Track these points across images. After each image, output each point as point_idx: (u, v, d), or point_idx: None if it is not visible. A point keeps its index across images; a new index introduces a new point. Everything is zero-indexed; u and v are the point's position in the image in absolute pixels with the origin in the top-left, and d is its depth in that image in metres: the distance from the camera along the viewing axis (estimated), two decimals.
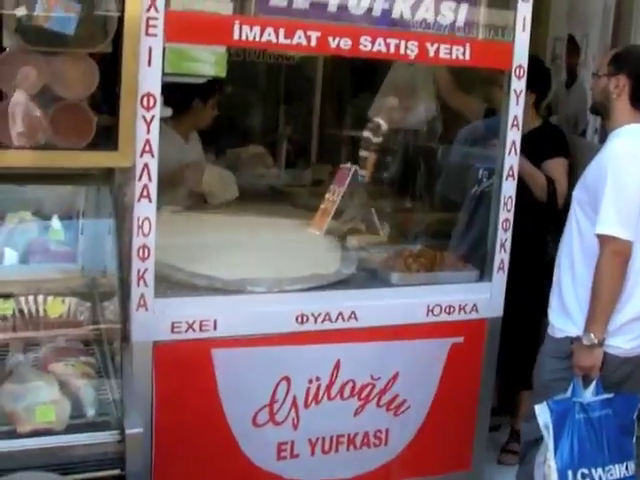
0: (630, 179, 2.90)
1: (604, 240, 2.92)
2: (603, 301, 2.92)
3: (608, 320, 2.94)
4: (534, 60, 3.74)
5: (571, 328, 3.04)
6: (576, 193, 3.12)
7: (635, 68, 3.03)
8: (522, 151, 3.55)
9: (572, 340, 3.01)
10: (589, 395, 2.98)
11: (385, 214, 3.94)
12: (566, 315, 3.07)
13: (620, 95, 3.03)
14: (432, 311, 3.31)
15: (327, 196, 3.78)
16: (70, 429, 2.38)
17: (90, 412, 2.44)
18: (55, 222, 2.82)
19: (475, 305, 3.39)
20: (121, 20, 2.60)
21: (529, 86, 3.71)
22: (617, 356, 3.00)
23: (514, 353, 3.71)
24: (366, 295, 3.26)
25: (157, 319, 2.86)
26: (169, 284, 3.00)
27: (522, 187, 3.63)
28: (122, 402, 2.44)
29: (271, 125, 5.67)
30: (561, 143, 3.96)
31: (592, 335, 2.93)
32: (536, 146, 3.79)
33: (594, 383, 2.98)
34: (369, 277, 3.40)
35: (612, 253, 2.90)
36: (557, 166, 3.86)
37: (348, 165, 3.83)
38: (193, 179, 4.00)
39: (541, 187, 3.80)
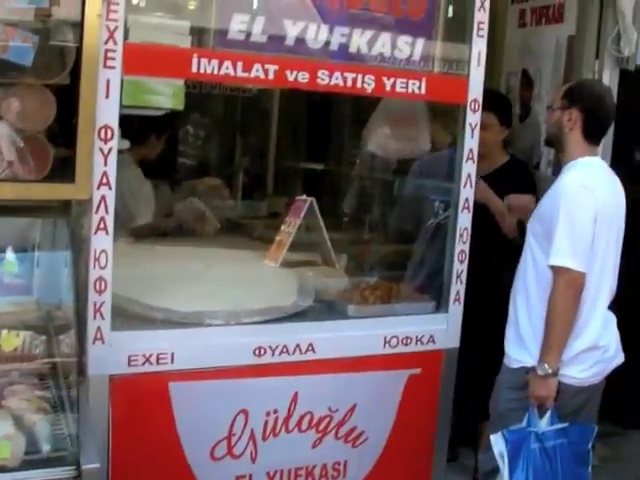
0: (583, 211, 2.96)
1: (557, 271, 2.97)
2: (557, 332, 2.96)
3: (562, 350, 2.99)
4: (502, 95, 3.82)
5: (526, 358, 3.08)
6: (531, 225, 3.18)
7: (587, 103, 3.11)
8: (491, 187, 3.62)
9: (527, 370, 3.05)
10: (544, 425, 3.01)
11: (342, 246, 3.98)
12: (521, 345, 3.12)
13: (573, 129, 3.10)
14: (389, 343, 3.35)
15: (283, 228, 3.82)
16: (25, 465, 2.33)
17: (45, 448, 2.40)
18: (9, 254, 2.79)
19: (432, 336, 3.43)
20: (79, 52, 2.61)
21: (503, 122, 3.81)
22: (571, 385, 3.04)
23: (475, 384, 3.74)
24: (323, 327, 3.28)
25: (114, 352, 2.85)
26: (126, 317, 3.00)
27: (490, 221, 3.69)
28: (78, 437, 2.41)
29: (227, 157, 5.72)
30: (529, 179, 4.04)
31: (546, 365, 2.97)
32: (504, 182, 3.88)
33: (549, 413, 3.02)
34: (326, 309, 3.43)
35: (565, 284, 2.95)
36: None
37: (304, 197, 3.86)
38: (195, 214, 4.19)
39: (510, 224, 3.86)
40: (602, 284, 3.09)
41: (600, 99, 3.14)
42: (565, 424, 3.04)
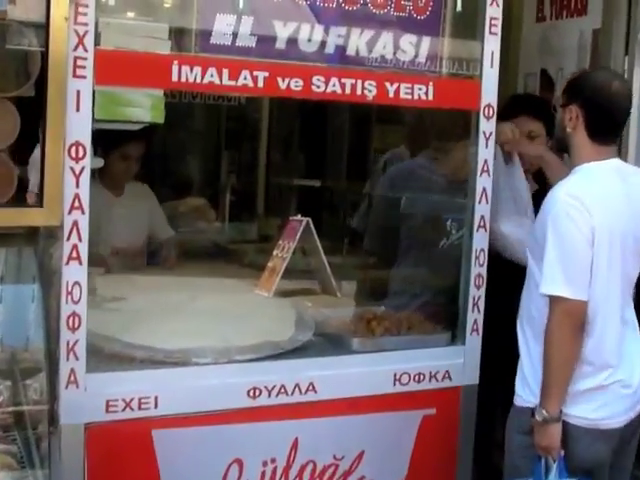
0: (573, 229, 2.86)
1: (552, 301, 2.87)
2: (554, 371, 2.86)
3: (563, 392, 2.89)
4: (547, 103, 3.78)
5: (530, 397, 3.00)
6: (528, 242, 3.12)
7: (587, 96, 2.98)
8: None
9: (532, 411, 2.95)
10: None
11: (344, 271, 4.00)
12: (523, 381, 3.05)
13: (575, 128, 3.00)
14: (399, 380, 3.35)
15: (275, 253, 3.83)
16: None
17: None
18: None
19: (447, 372, 3.43)
20: (45, 60, 2.63)
21: (549, 132, 3.78)
22: (580, 427, 2.92)
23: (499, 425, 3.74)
24: (325, 364, 3.29)
25: (90, 397, 2.85)
26: (102, 357, 3.00)
27: None
28: None
29: (212, 174, 5.73)
30: None
31: (544, 411, 2.87)
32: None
33: (555, 465, 2.89)
34: (328, 343, 3.43)
35: (562, 314, 2.84)
36: None
37: (298, 217, 3.88)
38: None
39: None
40: (610, 311, 2.96)
41: (602, 89, 2.98)
42: (575, 479, 2.91)
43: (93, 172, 2.87)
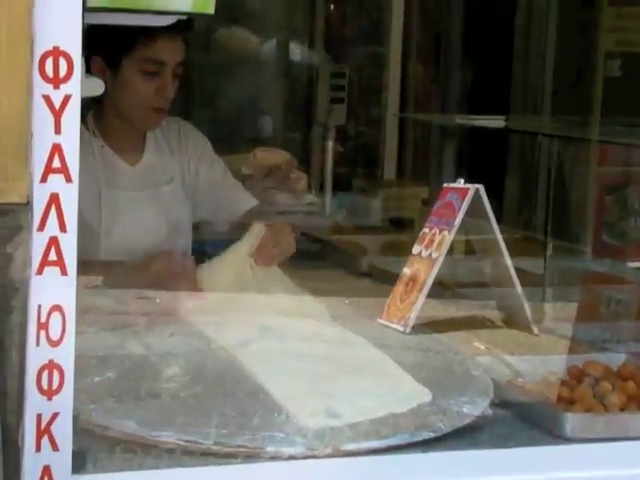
0: None
1: None
2: None
3: None
4: None
5: None
6: None
7: None
8: None
9: None
10: None
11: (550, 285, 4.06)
12: None
13: None
14: None
15: (418, 250, 3.91)
16: None
17: None
18: None
19: None
20: None
21: None
22: None
23: None
24: (514, 461, 3.27)
25: None
26: (103, 446, 3.03)
27: None
28: None
29: (299, 107, 5.76)
30: None
31: None
32: None
33: None
34: (518, 422, 3.45)
35: None
36: None
37: (461, 184, 3.93)
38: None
39: None
40: None
41: None
42: None
43: (85, 115, 2.86)
